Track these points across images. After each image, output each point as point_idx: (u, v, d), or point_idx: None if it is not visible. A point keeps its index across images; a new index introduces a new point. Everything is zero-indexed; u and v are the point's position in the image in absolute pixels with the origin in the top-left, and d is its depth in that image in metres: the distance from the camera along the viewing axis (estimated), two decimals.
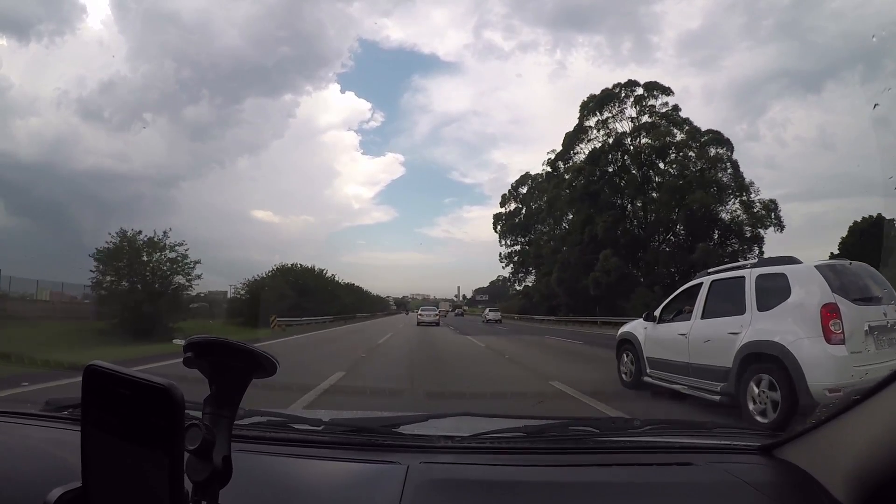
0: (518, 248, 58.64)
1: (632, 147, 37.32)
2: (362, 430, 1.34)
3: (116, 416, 0.60)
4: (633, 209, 38.35)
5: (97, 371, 0.61)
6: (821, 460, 0.98)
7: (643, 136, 36.71)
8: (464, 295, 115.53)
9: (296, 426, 1.34)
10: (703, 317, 5.86)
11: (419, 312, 31.96)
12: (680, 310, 6.46)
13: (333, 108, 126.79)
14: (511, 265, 59.40)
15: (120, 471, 0.60)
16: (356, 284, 57.06)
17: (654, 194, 36.56)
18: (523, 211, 57.40)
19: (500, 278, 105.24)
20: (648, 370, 6.58)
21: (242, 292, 28.30)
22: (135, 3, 62.04)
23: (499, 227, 60.17)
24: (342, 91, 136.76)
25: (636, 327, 7.21)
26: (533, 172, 56.57)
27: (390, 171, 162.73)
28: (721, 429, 1.47)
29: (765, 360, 4.83)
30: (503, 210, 60.66)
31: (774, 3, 59.91)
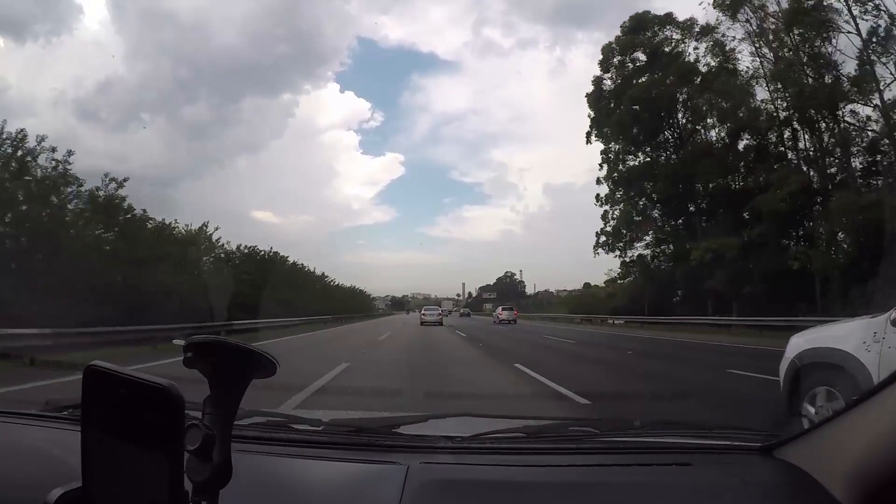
0: (643, 161, 29.36)
1: None
2: (362, 431, 1.34)
3: (116, 416, 0.60)
4: None
5: (97, 371, 0.61)
6: (821, 460, 0.98)
7: None
8: (469, 293, 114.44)
9: (296, 426, 1.34)
10: None
11: (422, 313, 34.58)
12: None
13: (332, 107, 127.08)
14: (618, 208, 30.76)
15: (120, 471, 0.60)
16: (305, 266, 35.90)
17: None
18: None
19: (508, 274, 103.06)
20: None
21: None
22: (131, 3, 62.05)
23: (597, 108, 30.24)
24: (341, 90, 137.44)
25: (847, 340, 3.73)
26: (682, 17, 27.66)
27: (390, 171, 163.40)
28: (720, 429, 1.47)
29: None
30: (605, 76, 30.54)
31: None
